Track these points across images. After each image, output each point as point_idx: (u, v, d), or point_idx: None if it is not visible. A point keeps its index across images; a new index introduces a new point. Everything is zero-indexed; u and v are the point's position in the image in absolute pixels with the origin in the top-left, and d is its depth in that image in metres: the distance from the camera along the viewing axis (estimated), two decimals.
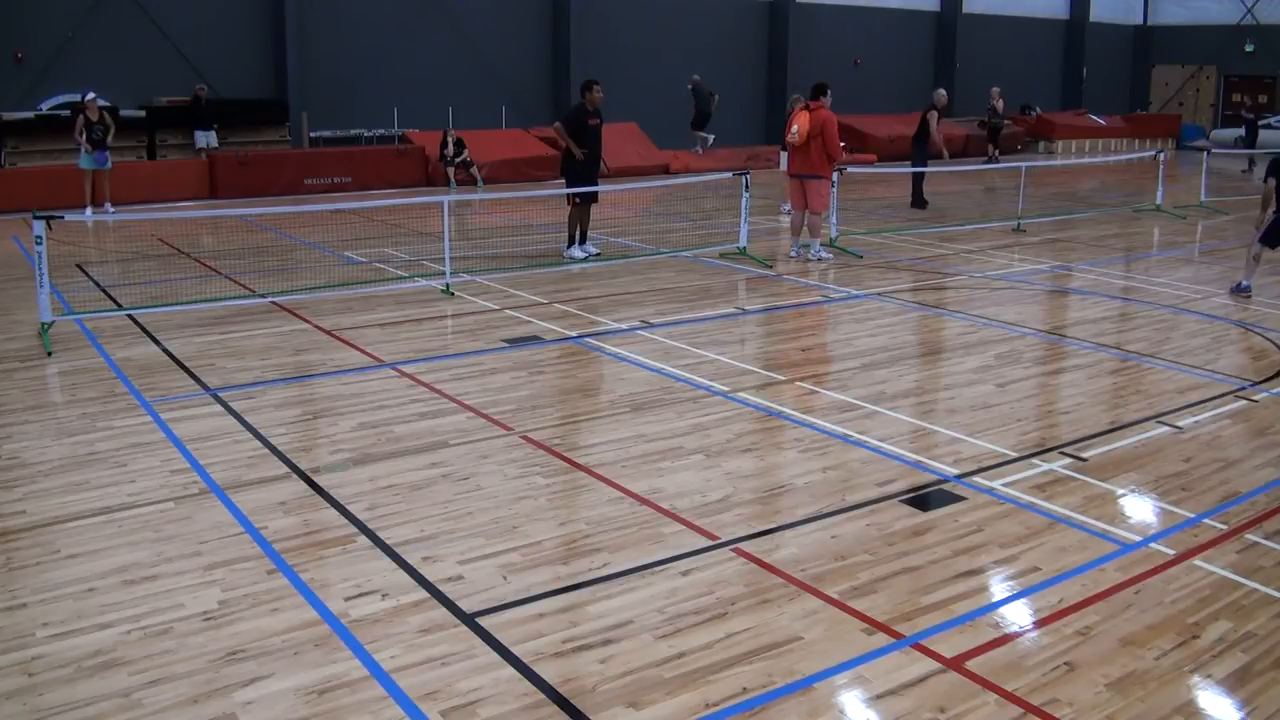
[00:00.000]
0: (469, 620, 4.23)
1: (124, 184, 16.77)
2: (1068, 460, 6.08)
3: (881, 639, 4.13)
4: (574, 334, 8.92)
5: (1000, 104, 23.97)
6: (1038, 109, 30.73)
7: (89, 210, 15.18)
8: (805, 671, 3.90)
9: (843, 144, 13.40)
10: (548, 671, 3.88)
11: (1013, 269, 12.32)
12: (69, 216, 10.27)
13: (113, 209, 15.45)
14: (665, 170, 21.95)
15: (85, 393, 7.23)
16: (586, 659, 3.98)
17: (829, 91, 12.38)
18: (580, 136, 12.24)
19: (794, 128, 12.37)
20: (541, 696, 3.74)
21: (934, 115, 17.36)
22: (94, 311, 9.45)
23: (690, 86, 23.56)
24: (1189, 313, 10.02)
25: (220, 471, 5.78)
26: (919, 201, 17.83)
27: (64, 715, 3.61)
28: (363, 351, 8.33)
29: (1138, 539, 5.09)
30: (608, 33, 24.58)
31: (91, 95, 15.70)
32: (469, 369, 7.88)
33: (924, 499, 5.51)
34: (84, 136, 15.30)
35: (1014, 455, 6.15)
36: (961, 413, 6.95)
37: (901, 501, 5.48)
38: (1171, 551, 4.93)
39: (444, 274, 10.68)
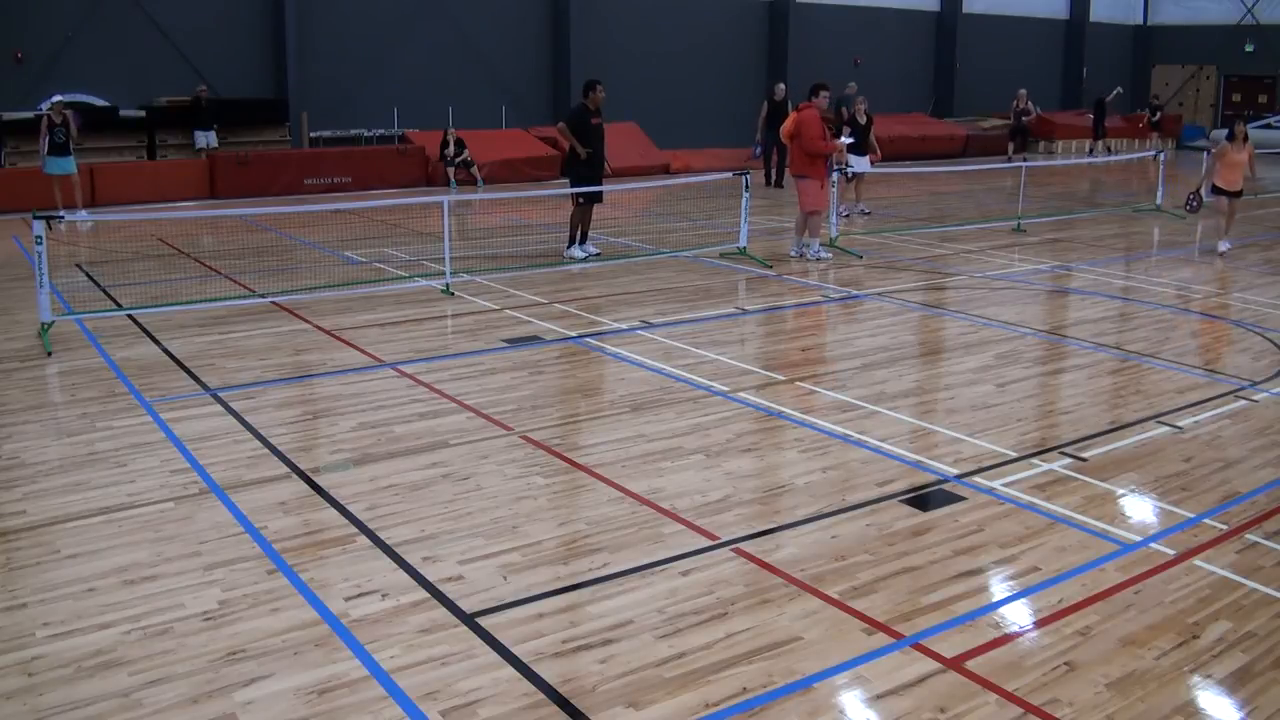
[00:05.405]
0: (469, 620, 4.23)
1: (124, 184, 16.71)
2: (1068, 460, 6.08)
3: (881, 639, 4.13)
4: (574, 334, 8.92)
5: (1024, 105, 24.57)
6: (1038, 109, 30.71)
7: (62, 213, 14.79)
8: (805, 671, 3.90)
9: (842, 138, 13.58)
10: (548, 671, 3.88)
11: (1013, 269, 12.32)
12: (69, 217, 10.33)
13: (67, 215, 14.98)
14: (665, 170, 21.95)
15: (85, 393, 7.23)
16: (586, 659, 3.98)
17: (820, 92, 12.31)
18: (582, 136, 12.25)
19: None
20: (541, 696, 3.74)
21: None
22: (94, 311, 9.44)
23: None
24: (1189, 313, 10.02)
25: (220, 471, 5.78)
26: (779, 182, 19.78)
27: (64, 715, 3.61)
28: (363, 351, 8.33)
29: (1138, 539, 5.09)
30: (608, 33, 24.55)
31: (58, 98, 15.54)
32: (469, 369, 7.88)
33: (924, 499, 5.51)
34: (46, 140, 14.95)
35: (1014, 455, 6.15)
36: (961, 413, 6.95)
37: (901, 501, 5.48)
38: (1171, 551, 4.93)
39: (444, 274, 10.68)
